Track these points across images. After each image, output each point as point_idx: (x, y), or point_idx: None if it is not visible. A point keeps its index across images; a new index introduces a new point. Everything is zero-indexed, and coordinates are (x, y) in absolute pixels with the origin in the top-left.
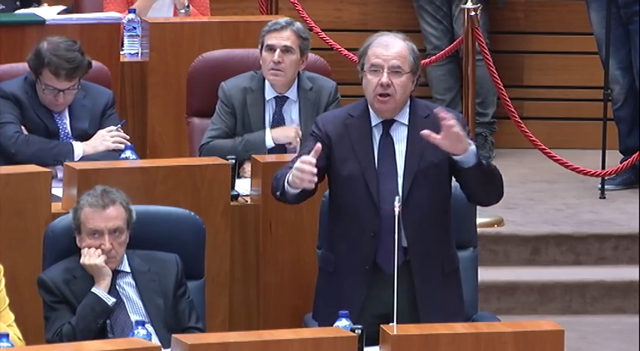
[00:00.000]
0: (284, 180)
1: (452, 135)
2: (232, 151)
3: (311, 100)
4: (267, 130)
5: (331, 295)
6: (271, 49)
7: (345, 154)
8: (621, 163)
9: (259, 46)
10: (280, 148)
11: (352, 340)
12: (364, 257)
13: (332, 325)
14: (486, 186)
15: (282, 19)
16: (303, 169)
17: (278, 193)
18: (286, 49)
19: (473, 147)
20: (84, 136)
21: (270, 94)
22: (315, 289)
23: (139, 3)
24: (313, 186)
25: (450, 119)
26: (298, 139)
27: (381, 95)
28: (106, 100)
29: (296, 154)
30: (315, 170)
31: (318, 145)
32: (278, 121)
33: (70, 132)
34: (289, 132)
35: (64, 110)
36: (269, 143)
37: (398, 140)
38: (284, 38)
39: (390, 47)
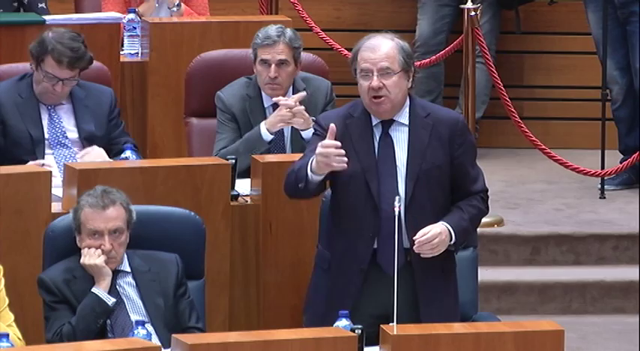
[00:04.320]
0: (306, 169)
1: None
2: (236, 154)
3: (305, 101)
4: (262, 124)
5: (323, 293)
6: (266, 63)
7: (347, 153)
8: (621, 163)
9: (252, 57)
10: (279, 138)
11: (352, 340)
12: (360, 257)
13: (321, 322)
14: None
15: (273, 29)
16: (329, 153)
17: (301, 185)
18: (281, 63)
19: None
20: (92, 139)
21: (267, 101)
22: (308, 284)
23: (143, 6)
24: (345, 165)
25: (418, 239)
26: (297, 104)
27: (375, 97)
28: (109, 100)
29: (306, 153)
30: (340, 148)
31: (332, 125)
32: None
33: (65, 132)
34: (281, 115)
35: (67, 110)
36: (265, 136)
37: (398, 141)
38: (278, 52)
39: (377, 50)
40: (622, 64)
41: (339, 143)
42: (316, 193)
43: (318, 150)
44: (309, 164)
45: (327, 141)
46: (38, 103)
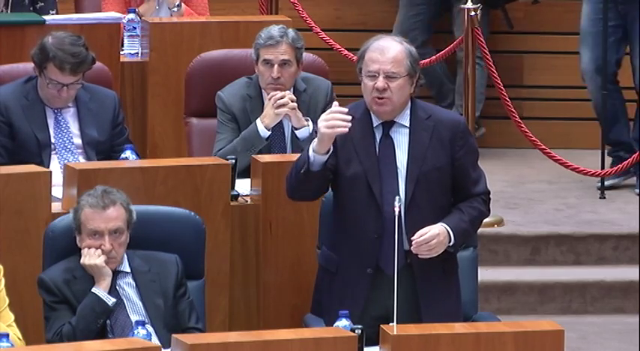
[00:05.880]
0: (307, 154)
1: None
2: (234, 153)
3: (305, 101)
4: (257, 121)
5: (333, 294)
6: (268, 63)
7: (348, 155)
8: (612, 163)
9: (254, 58)
10: (280, 137)
11: (352, 340)
12: (367, 259)
13: (333, 323)
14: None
15: (276, 29)
16: (334, 117)
17: (302, 170)
18: (284, 63)
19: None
20: (95, 144)
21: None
22: (314, 284)
23: (144, 7)
24: (347, 130)
25: (416, 240)
26: (291, 103)
27: (378, 98)
28: (112, 104)
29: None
30: (346, 112)
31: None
32: (278, 127)
33: (72, 136)
34: (274, 110)
35: (73, 114)
36: (263, 132)
37: (398, 142)
38: (280, 53)
39: (385, 52)
40: (599, 63)
41: (345, 109)
42: (318, 187)
43: (323, 116)
44: (310, 148)
45: (334, 108)
46: (44, 106)
